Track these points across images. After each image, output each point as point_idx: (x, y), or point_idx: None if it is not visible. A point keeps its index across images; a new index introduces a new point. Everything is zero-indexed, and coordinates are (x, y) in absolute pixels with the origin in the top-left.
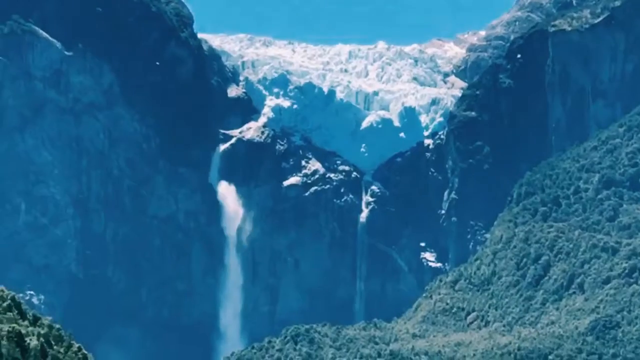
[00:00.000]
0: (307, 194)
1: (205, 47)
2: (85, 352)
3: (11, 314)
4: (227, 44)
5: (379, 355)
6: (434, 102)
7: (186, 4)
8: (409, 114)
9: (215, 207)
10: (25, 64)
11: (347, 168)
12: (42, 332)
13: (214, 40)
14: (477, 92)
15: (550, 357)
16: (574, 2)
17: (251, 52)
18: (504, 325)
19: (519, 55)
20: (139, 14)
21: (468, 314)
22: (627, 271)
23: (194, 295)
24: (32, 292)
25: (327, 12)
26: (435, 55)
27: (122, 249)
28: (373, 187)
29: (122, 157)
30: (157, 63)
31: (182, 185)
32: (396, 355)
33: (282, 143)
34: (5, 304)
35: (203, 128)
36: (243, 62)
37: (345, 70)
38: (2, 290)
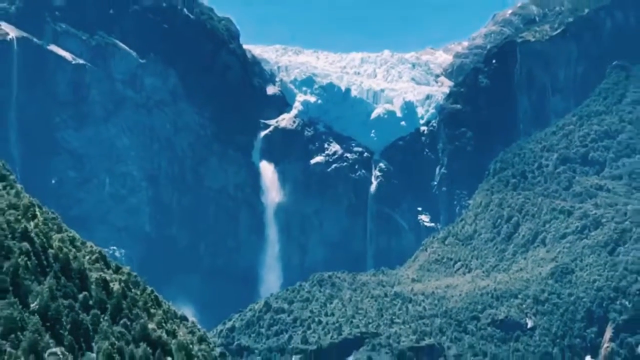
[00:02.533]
0: (329, 170)
1: (249, 55)
2: (157, 294)
3: (98, 264)
4: (266, 52)
5: (386, 295)
6: (428, 97)
7: (234, 21)
8: (408, 107)
9: (257, 181)
10: (109, 69)
11: (360, 149)
12: (122, 278)
13: (255, 49)
14: (462, 90)
15: (519, 296)
16: (536, 18)
17: (285, 59)
18: (483, 272)
19: (494, 61)
20: (197, 29)
21: (455, 262)
22: (579, 229)
23: (241, 250)
24: (114, 248)
25: (343, 28)
26: (429, 60)
27: (184, 214)
28: (380, 164)
29: (185, 141)
30: (211, 68)
31: (231, 163)
32: (399, 295)
33: (309, 130)
34: (94, 257)
35: (247, 118)
36: (278, 67)
37: (358, 73)
38: (92, 247)
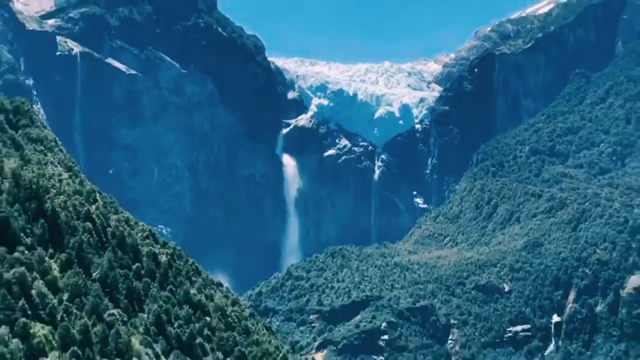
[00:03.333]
0: (339, 161)
1: (272, 66)
2: (197, 265)
3: (148, 240)
4: (287, 64)
5: (387, 265)
6: (421, 100)
7: (260, 38)
8: (405, 109)
9: (280, 170)
10: (156, 78)
11: (365, 144)
12: (168, 252)
13: (278, 61)
14: (449, 94)
15: (498, 265)
16: (511, 34)
17: (302, 69)
18: (467, 245)
19: (476, 70)
20: (229, 45)
21: (444, 237)
22: (547, 209)
23: (266, 228)
24: (162, 226)
25: (351, 42)
26: (422, 70)
27: (219, 198)
28: (382, 156)
29: (219, 137)
30: (241, 77)
31: (259, 156)
32: (398, 264)
33: (323, 128)
34: (144, 234)
35: (271, 119)
36: (297, 76)
37: (363, 80)
38: (143, 226)
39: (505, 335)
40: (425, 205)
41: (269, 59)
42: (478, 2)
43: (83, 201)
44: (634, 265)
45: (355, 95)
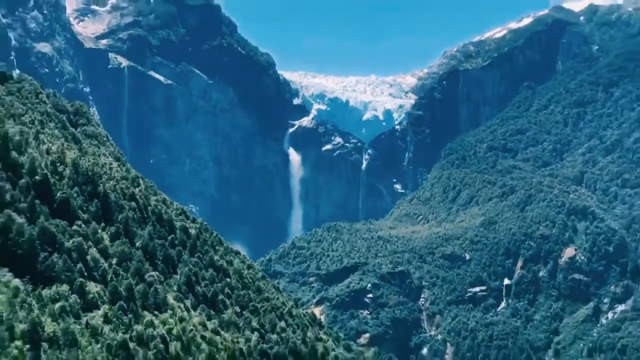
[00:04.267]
0: (334, 155)
1: (281, 78)
2: (220, 237)
3: (181, 217)
4: (293, 76)
5: (372, 238)
6: (400, 106)
7: (271, 55)
8: (387, 113)
9: (287, 161)
10: (188, 87)
11: (355, 141)
12: (197, 226)
13: (286, 74)
14: (423, 102)
15: (460, 238)
16: (473, 54)
17: (305, 81)
18: (436, 222)
19: (444, 82)
20: (247, 61)
21: (418, 216)
22: (500, 194)
23: (276, 208)
24: (192, 206)
25: (345, 59)
26: (401, 82)
27: (238, 184)
28: (369, 151)
29: (238, 135)
30: (257, 86)
31: (270, 150)
32: (381, 237)
33: (322, 128)
34: (178, 212)
35: (280, 120)
36: (301, 86)
37: (354, 90)
38: (176, 205)
39: (466, 295)
40: (403, 191)
41: (279, 72)
42: (446, 27)
43: (129, 185)
44: (569, 239)
45: (347, 102)
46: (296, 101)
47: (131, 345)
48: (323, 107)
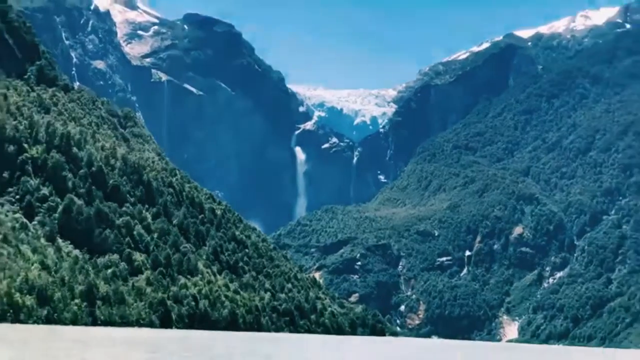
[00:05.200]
0: (331, 152)
1: (290, 91)
2: (240, 216)
3: (210, 200)
4: (299, 89)
5: (360, 217)
6: (384, 114)
7: (282, 72)
8: (374, 119)
9: (294, 157)
10: (216, 97)
11: (347, 141)
12: (222, 207)
13: (293, 87)
14: (402, 110)
15: (431, 218)
16: (442, 72)
17: (309, 93)
18: (411, 205)
19: (419, 94)
20: (263, 77)
21: (397, 201)
22: (463, 183)
23: (285, 193)
24: (218, 191)
25: (339, 76)
26: (385, 94)
27: (255, 174)
28: (358, 149)
29: (256, 135)
30: (270, 97)
31: (280, 147)
32: (368, 217)
33: (321, 130)
34: (207, 196)
35: (289, 124)
36: (305, 97)
37: (347, 101)
38: (206, 191)
39: (435, 264)
40: (385, 180)
41: (288, 85)
42: (420, 50)
43: (167, 175)
44: (518, 219)
45: (341, 110)
46: (301, 109)
47: (168, 302)
48: (322, 114)
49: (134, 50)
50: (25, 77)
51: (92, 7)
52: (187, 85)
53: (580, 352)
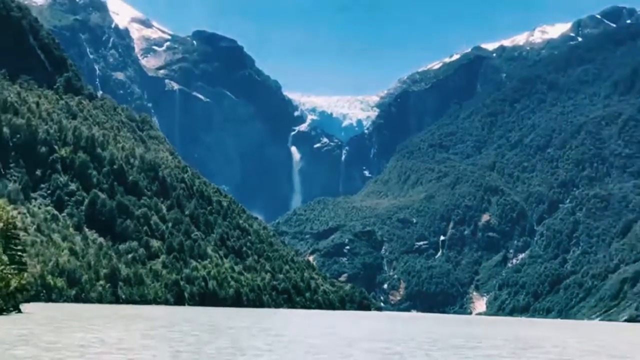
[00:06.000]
0: (322, 150)
1: (286, 98)
2: (244, 207)
3: (217, 193)
4: (294, 96)
5: (348, 207)
6: (368, 117)
7: (280, 83)
8: (359, 122)
9: (290, 155)
10: (221, 104)
11: (337, 141)
12: (227, 200)
13: (290, 95)
14: (383, 114)
15: (409, 208)
16: (418, 80)
17: (303, 99)
18: (393, 197)
19: (398, 100)
20: (262, 85)
21: (380, 192)
22: (437, 177)
23: (282, 187)
24: (224, 186)
25: (329, 84)
26: (368, 100)
27: (256, 171)
28: (346, 148)
29: (256, 137)
30: (270, 105)
31: (278, 147)
32: (355, 207)
33: (314, 132)
34: (214, 190)
35: (286, 126)
36: (300, 102)
37: (336, 106)
38: (213, 185)
39: (414, 247)
40: (370, 175)
41: (284, 93)
42: (400, 61)
43: (180, 172)
44: (485, 208)
45: (331, 114)
46: (296, 113)
47: (181, 283)
48: (315, 117)
49: (150, 63)
50: (55, 87)
51: (112, 26)
52: (196, 93)
53: (540, 324)
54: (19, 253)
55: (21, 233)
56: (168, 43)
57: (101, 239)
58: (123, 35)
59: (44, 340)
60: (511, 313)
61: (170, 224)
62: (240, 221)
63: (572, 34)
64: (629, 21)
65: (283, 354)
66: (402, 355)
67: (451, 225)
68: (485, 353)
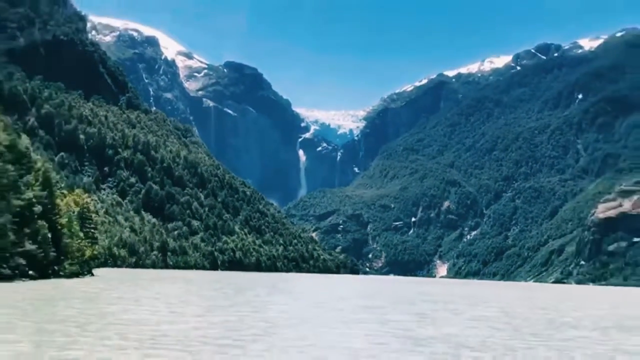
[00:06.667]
0: (323, 153)
1: (295, 112)
2: (263, 196)
3: (243, 185)
4: (301, 111)
5: (343, 196)
6: (357, 127)
7: (289, 100)
8: (351, 130)
9: (297, 157)
10: (246, 117)
11: (334, 144)
12: (250, 190)
13: (297, 109)
14: (369, 125)
15: (389, 196)
16: (395, 98)
17: (307, 113)
18: (376, 188)
19: (381, 114)
20: (276, 103)
21: (366, 185)
22: (411, 172)
23: (292, 182)
24: (248, 179)
25: (328, 101)
26: (358, 114)
27: (271, 169)
28: (341, 151)
29: (272, 143)
30: (283, 117)
31: (289, 151)
32: (347, 196)
33: (316, 139)
34: (241, 182)
35: (295, 134)
36: (306, 116)
37: (333, 119)
38: (238, 178)
39: (392, 226)
40: (359, 171)
41: (293, 109)
42: (381, 82)
43: (214, 169)
44: (446, 197)
45: (329, 124)
46: (302, 124)
47: (215, 253)
48: (317, 128)
49: (191, 86)
50: (119, 104)
51: (162, 57)
52: (226, 109)
53: (488, 284)
54: (92, 230)
55: (93, 215)
56: (205, 70)
57: (154, 220)
58: (171, 64)
59: (113, 296)
60: (465, 276)
61: (206, 208)
62: (260, 206)
63: (512, 64)
64: (555, 54)
65: (293, 301)
66: (386, 309)
67: (420, 209)
68: (446, 307)
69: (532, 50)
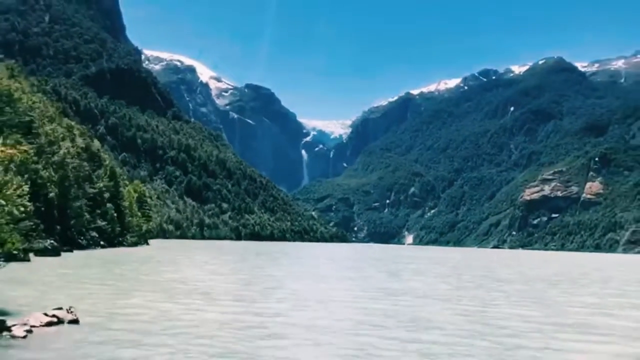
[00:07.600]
0: (320, 152)
1: (299, 121)
2: (275, 185)
3: (260, 177)
4: (304, 120)
5: (335, 184)
6: (345, 133)
7: (295, 113)
8: (340, 135)
9: (301, 156)
10: (262, 126)
11: (329, 146)
12: (266, 180)
13: (301, 119)
14: (354, 131)
15: (369, 184)
16: (374, 111)
17: (308, 122)
18: (359, 179)
19: (363, 123)
20: (285, 115)
21: (353, 176)
22: (384, 167)
23: (297, 175)
24: (264, 172)
25: (324, 111)
26: (346, 123)
27: (281, 166)
28: (333, 151)
29: (281, 146)
30: (289, 127)
31: (294, 152)
32: (339, 184)
33: (316, 144)
34: (258, 174)
35: (298, 139)
36: (307, 124)
37: (328, 126)
38: (256, 171)
39: (372, 206)
40: (347, 166)
41: (298, 119)
42: (363, 98)
43: (238, 164)
44: (412, 184)
45: (325, 132)
46: (305, 131)
47: (240, 228)
48: (315, 133)
49: (221, 102)
50: (166, 116)
51: (199, 81)
52: (248, 120)
53: (443, 250)
54: (147, 211)
55: (148, 199)
56: (231, 90)
57: (194, 203)
58: (205, 86)
59: (166, 259)
60: (427, 244)
61: (233, 194)
62: (273, 192)
63: (461, 85)
64: (494, 77)
65: (298, 261)
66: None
67: (393, 194)
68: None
69: (476, 74)
